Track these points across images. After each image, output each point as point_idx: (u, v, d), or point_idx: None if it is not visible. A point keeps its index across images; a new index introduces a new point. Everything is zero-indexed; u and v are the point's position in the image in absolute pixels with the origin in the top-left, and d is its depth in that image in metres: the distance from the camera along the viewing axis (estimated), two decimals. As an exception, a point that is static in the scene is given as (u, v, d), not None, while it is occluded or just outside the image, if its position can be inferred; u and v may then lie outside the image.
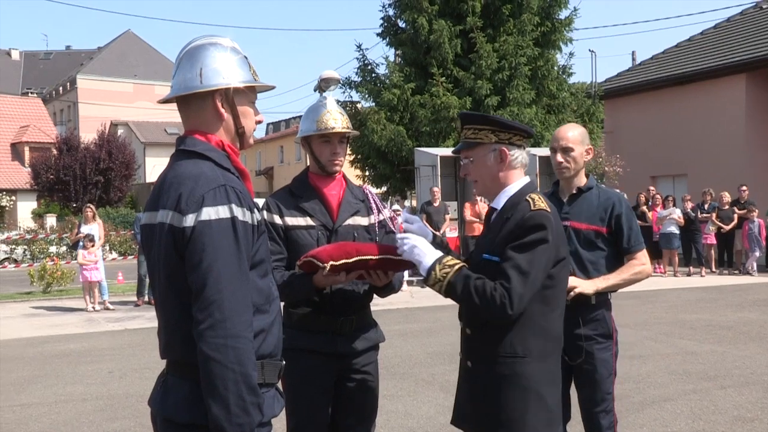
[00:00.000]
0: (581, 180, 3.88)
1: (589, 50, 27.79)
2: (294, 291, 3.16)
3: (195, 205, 2.14)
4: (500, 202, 2.85)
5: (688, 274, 17.46)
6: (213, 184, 2.17)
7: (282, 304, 3.43)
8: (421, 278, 2.80)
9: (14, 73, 72.15)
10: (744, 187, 18.06)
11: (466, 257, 2.99)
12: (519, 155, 2.85)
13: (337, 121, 3.38)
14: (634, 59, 32.24)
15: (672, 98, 22.13)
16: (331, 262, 2.97)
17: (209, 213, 2.13)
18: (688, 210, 17.68)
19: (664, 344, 9.19)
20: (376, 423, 3.53)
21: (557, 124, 18.91)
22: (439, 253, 2.75)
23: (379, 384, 3.54)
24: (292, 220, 3.31)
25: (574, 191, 3.86)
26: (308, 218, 3.33)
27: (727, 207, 17.87)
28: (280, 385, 2.48)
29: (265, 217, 3.30)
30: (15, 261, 25.97)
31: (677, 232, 17.41)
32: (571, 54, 20.23)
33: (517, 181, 2.85)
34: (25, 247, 26.51)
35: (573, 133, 3.81)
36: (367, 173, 20.93)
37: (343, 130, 3.39)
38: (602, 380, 3.78)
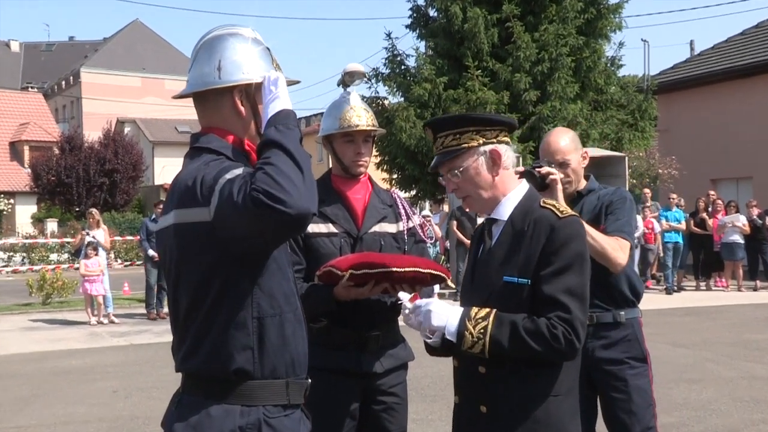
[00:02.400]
0: (581, 184, 3.78)
1: (642, 39, 27.50)
2: (313, 304, 3.15)
3: (211, 185, 2.14)
4: (503, 211, 2.63)
5: (755, 289, 17.28)
6: (226, 167, 2.19)
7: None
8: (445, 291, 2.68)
9: (13, 66, 73.12)
10: None
11: (464, 280, 2.79)
12: (508, 152, 2.64)
13: (361, 118, 3.37)
14: (692, 49, 31.86)
15: (735, 92, 21.85)
16: (351, 271, 2.96)
17: (227, 176, 2.12)
18: (754, 217, 17.46)
19: (727, 367, 9.05)
20: None
21: (604, 121, 18.78)
22: (459, 308, 2.53)
23: (410, 407, 3.52)
24: (313, 227, 3.30)
25: (575, 195, 3.74)
26: (330, 225, 3.33)
27: None
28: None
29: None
30: (13, 269, 26.27)
31: (741, 241, 17.21)
32: (620, 44, 19.99)
33: (517, 187, 2.66)
34: (24, 254, 26.81)
35: (565, 142, 3.67)
36: (394, 176, 20.88)
37: (369, 128, 3.38)
38: (640, 412, 3.60)
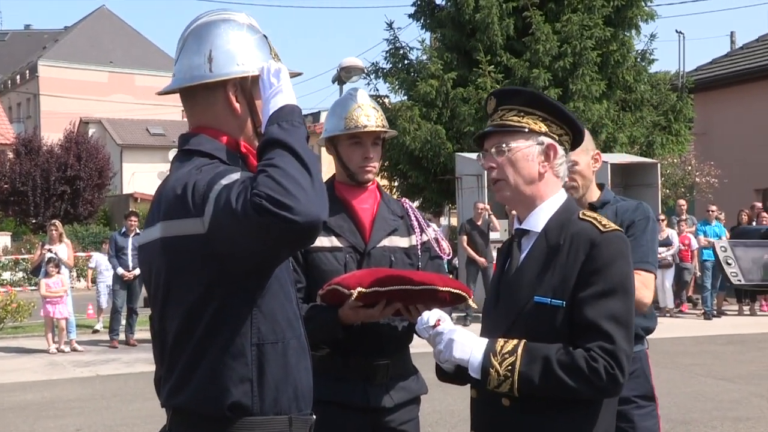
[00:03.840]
0: (593, 194, 3.67)
1: (676, 31, 27.54)
2: (315, 328, 3.11)
3: (204, 193, 2.10)
4: (537, 222, 2.57)
5: None
6: (221, 172, 2.16)
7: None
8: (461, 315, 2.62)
9: (-38, 58, 73.10)
10: None
11: (488, 299, 2.73)
12: (563, 161, 2.61)
13: (370, 117, 3.33)
14: (733, 42, 31.85)
15: None
16: (359, 289, 2.92)
17: (222, 182, 2.09)
18: None
19: (776, 404, 8.98)
20: None
21: (634, 123, 18.80)
22: (484, 340, 2.47)
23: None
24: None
25: (586, 207, 3.54)
26: (334, 238, 3.30)
27: None
28: None
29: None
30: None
31: None
32: (652, 36, 20.00)
33: (555, 195, 2.60)
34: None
35: None
36: (395, 183, 20.90)
37: (378, 129, 3.35)
38: None
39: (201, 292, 2.16)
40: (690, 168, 20.55)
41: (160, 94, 2.48)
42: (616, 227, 2.55)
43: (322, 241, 3.27)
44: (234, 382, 2.17)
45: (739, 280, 2.02)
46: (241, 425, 2.18)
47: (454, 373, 2.54)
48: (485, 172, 2.83)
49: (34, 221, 35.71)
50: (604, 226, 2.50)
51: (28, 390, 10.48)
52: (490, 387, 2.41)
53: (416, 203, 20.78)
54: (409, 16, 20.19)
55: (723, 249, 2.03)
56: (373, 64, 20.00)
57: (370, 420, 3.25)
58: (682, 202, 18.55)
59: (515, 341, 2.43)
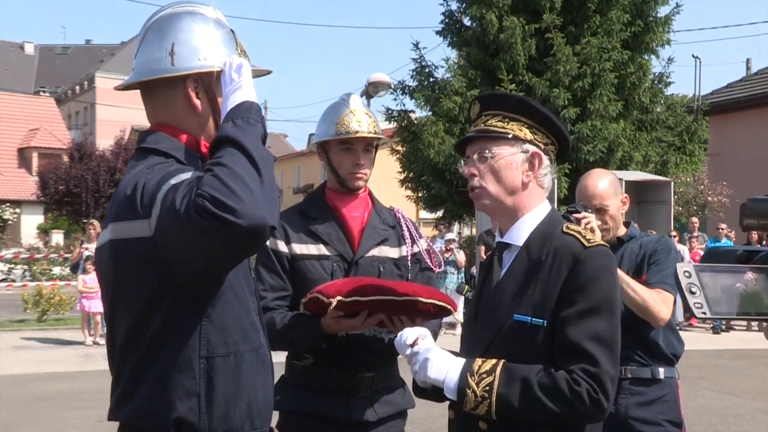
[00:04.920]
0: (620, 231, 3.60)
1: (693, 56, 27.20)
2: (297, 336, 2.87)
3: (153, 193, 1.85)
4: (518, 235, 2.29)
5: None
6: (172, 172, 1.90)
7: (286, 354, 3.13)
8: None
9: (27, 69, 73.98)
10: None
11: (468, 316, 2.47)
12: (548, 171, 2.33)
13: (361, 123, 3.07)
14: (748, 68, 31.42)
15: None
16: (339, 298, 2.67)
17: (171, 182, 1.84)
18: None
19: (782, 419, 8.63)
20: None
21: (649, 143, 18.45)
22: (460, 360, 2.21)
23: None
24: (301, 248, 3.02)
25: (615, 241, 3.54)
26: (321, 246, 3.04)
27: None
28: None
29: (268, 243, 3.01)
30: (13, 282, 26.27)
31: None
32: (669, 60, 19.67)
33: (539, 206, 2.32)
34: (26, 266, 26.81)
35: (604, 186, 3.49)
36: (419, 194, 20.65)
37: (370, 135, 3.09)
38: None
39: (147, 299, 1.90)
40: (703, 187, 20.32)
41: (118, 89, 2.21)
42: (602, 242, 2.26)
43: (310, 249, 3.02)
44: (180, 396, 1.91)
45: (704, 313, 1.61)
46: None
47: (431, 390, 2.26)
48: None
49: (85, 220, 35.77)
50: (588, 240, 2.21)
51: (59, 380, 10.31)
52: (466, 408, 2.15)
53: (439, 213, 20.62)
54: (437, 33, 19.89)
55: (687, 274, 1.62)
56: (400, 81, 19.75)
57: None
58: (694, 219, 18.32)
59: (494, 361, 2.15)
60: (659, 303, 3.28)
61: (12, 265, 27.54)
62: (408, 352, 2.24)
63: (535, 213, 2.31)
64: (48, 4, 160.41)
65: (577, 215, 3.17)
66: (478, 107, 2.37)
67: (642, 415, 3.40)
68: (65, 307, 15.94)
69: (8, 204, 40.85)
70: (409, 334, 2.27)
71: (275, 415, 3.03)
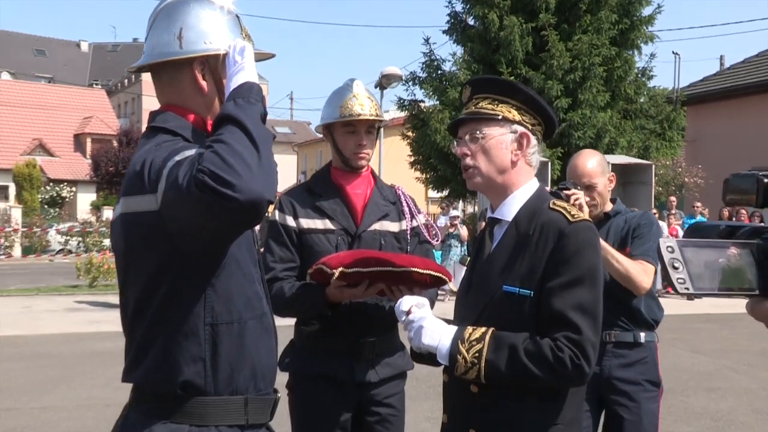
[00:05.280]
0: (607, 206, 3.51)
1: (673, 52, 26.90)
2: (304, 304, 2.77)
3: (159, 169, 1.74)
4: (508, 211, 2.18)
5: None
6: (177, 149, 1.79)
7: (294, 320, 3.04)
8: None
9: (82, 64, 73.93)
10: None
11: (461, 287, 2.34)
12: (536, 150, 2.21)
13: (364, 107, 2.94)
14: (722, 64, 30.97)
15: (761, 106, 21.52)
16: (341, 269, 2.56)
17: (176, 158, 1.73)
18: None
19: (747, 377, 8.50)
20: None
21: (633, 130, 18.27)
22: (453, 328, 2.10)
23: (423, 404, 3.11)
24: (308, 223, 2.91)
25: (602, 216, 3.46)
26: (327, 221, 2.92)
27: None
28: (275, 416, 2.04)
29: (277, 217, 2.91)
30: (69, 252, 26.39)
31: None
32: (652, 55, 19.45)
33: (527, 184, 2.20)
34: (80, 238, 26.89)
35: (592, 165, 3.40)
36: (427, 175, 20.51)
37: (372, 118, 2.96)
38: None
39: (154, 269, 1.79)
40: (680, 170, 20.15)
41: (130, 71, 2.10)
42: (586, 218, 2.14)
43: (316, 224, 2.91)
44: (186, 360, 1.81)
45: (687, 288, 1.41)
46: (194, 404, 1.82)
47: (426, 356, 2.15)
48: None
49: (132, 198, 35.86)
50: (573, 216, 2.08)
51: (106, 339, 10.26)
52: (458, 373, 2.05)
53: (445, 192, 20.47)
54: (443, 32, 19.72)
55: (669, 249, 1.41)
56: (411, 73, 19.58)
57: (356, 394, 2.88)
58: (672, 198, 18.18)
59: (483, 329, 2.04)
60: (641, 273, 3.21)
61: (68, 237, 27.61)
62: (404, 319, 2.14)
63: (524, 190, 2.19)
64: (101, 6, 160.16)
65: (566, 191, 3.07)
66: (470, 91, 2.25)
67: (624, 376, 3.33)
68: (113, 274, 15.84)
69: (65, 183, 40.87)
70: (405, 302, 2.16)
71: (285, 376, 2.95)
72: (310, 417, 2.83)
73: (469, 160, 2.20)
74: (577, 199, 3.07)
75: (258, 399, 1.90)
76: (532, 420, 2.06)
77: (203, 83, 1.94)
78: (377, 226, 2.97)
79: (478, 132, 2.17)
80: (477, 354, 2.00)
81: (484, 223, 9.70)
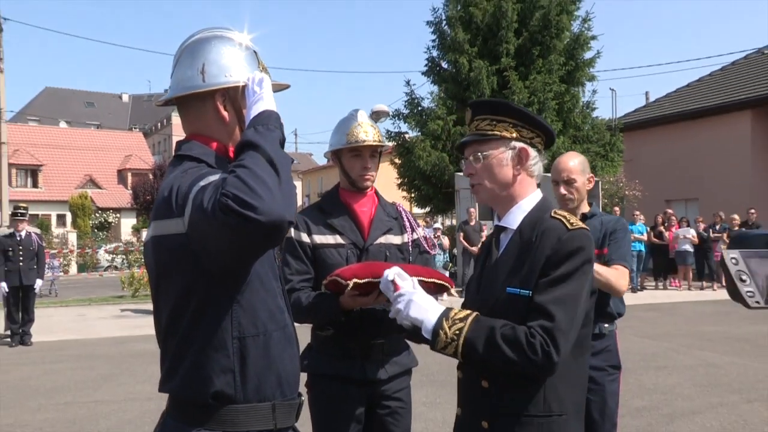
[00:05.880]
0: (584, 207, 3.30)
1: (610, 89, 27.13)
2: (320, 312, 2.56)
3: (185, 194, 1.55)
4: (514, 220, 1.99)
5: (701, 288, 16.83)
6: (202, 174, 1.59)
7: (311, 326, 2.83)
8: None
9: (123, 112, 73.90)
10: (753, 210, 17.55)
11: (470, 291, 2.14)
12: (538, 161, 2.03)
13: (368, 134, 2.75)
14: (647, 98, 31.25)
15: (684, 131, 21.60)
16: (355, 280, 2.35)
17: (201, 183, 1.53)
18: (701, 230, 17.37)
19: (686, 356, 8.38)
20: None
21: (582, 152, 18.08)
22: (441, 306, 1.91)
23: (420, 391, 2.90)
24: (321, 238, 2.71)
25: (580, 217, 3.24)
26: (337, 236, 2.72)
27: (737, 228, 17.21)
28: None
29: (293, 234, 2.70)
30: (115, 268, 26.15)
31: (691, 250, 17.07)
32: (594, 91, 19.57)
33: (531, 194, 2.02)
34: (123, 256, 26.66)
35: (574, 163, 3.21)
36: (412, 194, 20.38)
37: (375, 143, 2.76)
38: (610, 412, 3.19)
39: (183, 288, 1.59)
40: (621, 185, 20.13)
41: (158, 104, 1.90)
42: (584, 226, 1.93)
43: (328, 239, 2.70)
44: (216, 372, 1.60)
45: (758, 302, 1.16)
46: (226, 412, 1.61)
47: (411, 331, 1.92)
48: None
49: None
50: (572, 224, 1.89)
51: (147, 341, 10.00)
52: (437, 348, 1.84)
53: (427, 208, 20.32)
54: (422, 73, 19.61)
55: (734, 261, 1.19)
56: (396, 109, 19.53)
57: (368, 390, 2.66)
58: (616, 208, 18.13)
59: (469, 311, 1.85)
60: (619, 279, 3.04)
61: (114, 256, 27.36)
62: (395, 293, 1.92)
63: (528, 200, 2.00)
64: (138, 64, 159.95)
65: None
66: (470, 113, 2.06)
67: (591, 363, 3.11)
68: (152, 285, 15.71)
69: (111, 211, 40.90)
70: (390, 272, 1.96)
71: (303, 377, 2.75)
72: (327, 412, 2.63)
73: (474, 179, 2.03)
74: None
75: (284, 404, 1.70)
76: (537, 410, 1.86)
77: (225, 113, 1.75)
78: (382, 239, 2.77)
79: (480, 153, 2.00)
80: (457, 332, 1.81)
81: (462, 233, 9.45)
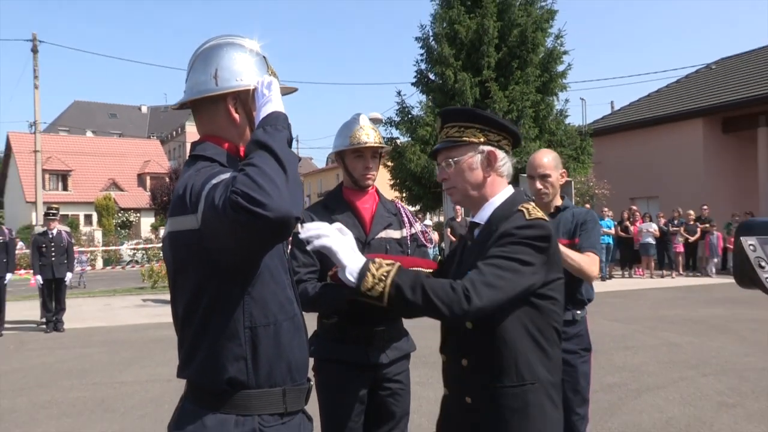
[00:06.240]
0: (558, 201, 3.22)
1: (580, 98, 27.20)
2: (325, 302, 2.48)
3: (198, 191, 1.47)
4: (484, 215, 1.93)
5: (662, 276, 16.96)
6: (214, 173, 1.51)
7: (317, 315, 2.77)
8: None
9: (142, 122, 73.59)
10: (705, 207, 17.98)
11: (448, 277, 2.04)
12: (506, 161, 1.96)
13: (369, 136, 2.67)
14: (612, 107, 31.30)
15: (645, 137, 21.75)
16: None
17: (213, 181, 1.45)
18: (662, 225, 17.52)
19: (650, 337, 8.37)
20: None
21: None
22: (364, 258, 1.78)
23: (414, 372, 2.85)
24: None
25: (552, 210, 3.17)
26: None
27: (692, 222, 17.77)
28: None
29: (299, 229, 2.63)
30: (137, 262, 26.00)
31: (653, 242, 17.17)
32: (566, 100, 19.53)
33: (502, 192, 1.95)
34: (144, 251, 26.52)
35: (548, 159, 3.11)
36: (404, 194, 20.31)
37: (376, 145, 2.68)
38: (582, 390, 3.14)
39: (198, 281, 1.51)
40: (591, 184, 20.13)
41: (174, 108, 1.82)
42: (542, 216, 1.85)
43: None
44: (230, 360, 1.53)
45: None
46: (239, 397, 1.53)
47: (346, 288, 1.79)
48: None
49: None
50: (531, 214, 1.82)
51: (165, 328, 9.91)
52: (363, 288, 1.70)
53: (417, 207, 20.26)
54: (412, 84, 19.47)
55: (752, 248, 1.06)
56: (388, 117, 19.43)
57: (370, 374, 2.59)
58: (587, 205, 18.10)
59: (394, 261, 1.78)
60: (590, 264, 2.95)
61: (135, 251, 27.20)
62: (317, 243, 1.74)
63: (498, 197, 1.94)
64: (155, 78, 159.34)
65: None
66: (440, 122, 2.00)
67: (564, 347, 3.02)
68: (169, 277, 15.59)
69: (132, 210, 40.67)
70: (313, 226, 1.77)
71: (310, 361, 2.69)
72: (334, 394, 2.55)
73: (448, 183, 1.97)
74: None
75: (294, 389, 1.62)
76: (510, 381, 1.80)
77: (236, 115, 1.67)
78: (383, 234, 2.69)
79: (451, 159, 1.93)
80: (385, 274, 1.70)
81: (449, 229, 9.34)
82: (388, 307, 1.72)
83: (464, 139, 1.91)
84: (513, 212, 1.85)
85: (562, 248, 2.78)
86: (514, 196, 1.94)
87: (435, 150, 2.00)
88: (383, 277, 1.69)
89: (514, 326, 1.79)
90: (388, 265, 1.73)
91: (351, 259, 1.74)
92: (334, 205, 2.71)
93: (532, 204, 1.90)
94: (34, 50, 25.61)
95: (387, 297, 1.69)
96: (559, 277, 1.86)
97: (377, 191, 2.82)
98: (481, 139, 1.91)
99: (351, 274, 1.72)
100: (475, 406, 1.83)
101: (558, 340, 1.89)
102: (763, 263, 1.07)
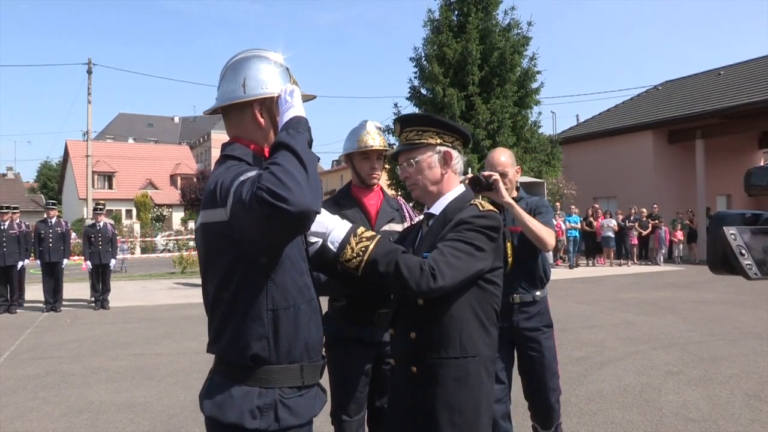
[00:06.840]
0: (514, 193, 3.10)
1: (551, 111, 27.14)
2: (336, 287, 2.43)
3: (228, 187, 1.41)
4: (439, 207, 1.88)
5: (619, 265, 17.08)
6: (242, 171, 1.46)
7: (328, 298, 2.72)
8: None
9: (174, 131, 73.34)
10: (655, 205, 18.53)
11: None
12: (459, 160, 1.92)
13: (375, 140, 2.62)
14: (578, 119, 31.36)
15: (605, 145, 21.88)
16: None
17: (241, 178, 1.40)
18: (620, 221, 17.70)
19: (611, 317, 8.34)
20: None
21: (531, 160, 18.10)
22: (349, 224, 1.72)
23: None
24: None
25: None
26: None
27: (645, 219, 18.06)
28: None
29: None
30: (169, 251, 25.91)
31: (613, 236, 17.31)
32: (539, 113, 19.60)
33: (456, 188, 1.91)
34: (175, 241, 26.44)
35: (505, 158, 2.99)
36: (399, 193, 20.25)
37: (381, 148, 2.64)
38: (550, 364, 3.01)
39: (226, 268, 1.45)
40: (561, 185, 20.11)
41: (206, 113, 1.77)
42: (493, 209, 1.81)
43: None
44: (254, 339, 1.48)
45: (756, 274, 0.99)
46: (262, 371, 1.49)
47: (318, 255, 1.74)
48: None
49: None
50: (483, 207, 1.78)
51: (194, 308, 9.86)
52: (342, 259, 1.67)
53: (411, 204, 20.20)
54: (406, 98, 19.33)
55: (733, 237, 1.00)
56: (386, 126, 19.26)
57: (374, 351, 2.54)
58: (558, 204, 18.27)
59: (373, 233, 1.73)
60: (548, 234, 2.79)
61: (168, 241, 27.14)
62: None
63: (452, 193, 1.90)
64: (186, 92, 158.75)
65: (484, 173, 2.66)
66: (399, 126, 1.95)
67: (528, 326, 2.95)
68: (197, 264, 15.20)
69: (165, 206, 40.69)
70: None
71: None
72: (342, 368, 2.50)
73: (409, 181, 1.93)
74: (494, 178, 2.62)
75: (310, 365, 1.57)
76: (453, 353, 1.75)
77: (261, 120, 1.61)
78: (386, 227, 2.64)
79: (412, 159, 1.89)
80: (363, 248, 1.65)
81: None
82: (361, 277, 1.68)
83: (423, 141, 1.88)
84: (466, 205, 1.83)
85: (527, 216, 2.70)
86: (465, 193, 1.92)
87: (396, 152, 1.95)
88: (361, 253, 1.65)
89: (461, 305, 1.75)
90: (367, 239, 1.67)
91: (336, 226, 1.70)
92: (344, 201, 2.67)
93: (484, 200, 1.88)
94: (89, 71, 25.58)
95: (362, 271, 1.66)
96: (501, 266, 1.84)
97: (381, 189, 2.77)
98: (438, 141, 1.88)
99: (333, 243, 1.68)
100: (420, 375, 1.78)
101: (496, 320, 1.85)
102: (743, 251, 1.02)
